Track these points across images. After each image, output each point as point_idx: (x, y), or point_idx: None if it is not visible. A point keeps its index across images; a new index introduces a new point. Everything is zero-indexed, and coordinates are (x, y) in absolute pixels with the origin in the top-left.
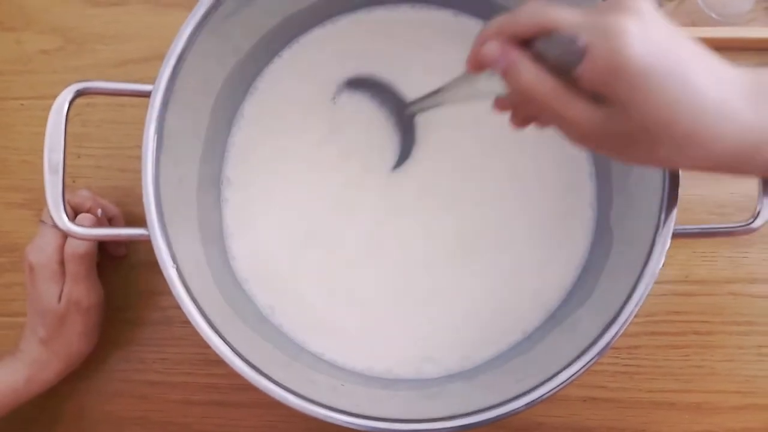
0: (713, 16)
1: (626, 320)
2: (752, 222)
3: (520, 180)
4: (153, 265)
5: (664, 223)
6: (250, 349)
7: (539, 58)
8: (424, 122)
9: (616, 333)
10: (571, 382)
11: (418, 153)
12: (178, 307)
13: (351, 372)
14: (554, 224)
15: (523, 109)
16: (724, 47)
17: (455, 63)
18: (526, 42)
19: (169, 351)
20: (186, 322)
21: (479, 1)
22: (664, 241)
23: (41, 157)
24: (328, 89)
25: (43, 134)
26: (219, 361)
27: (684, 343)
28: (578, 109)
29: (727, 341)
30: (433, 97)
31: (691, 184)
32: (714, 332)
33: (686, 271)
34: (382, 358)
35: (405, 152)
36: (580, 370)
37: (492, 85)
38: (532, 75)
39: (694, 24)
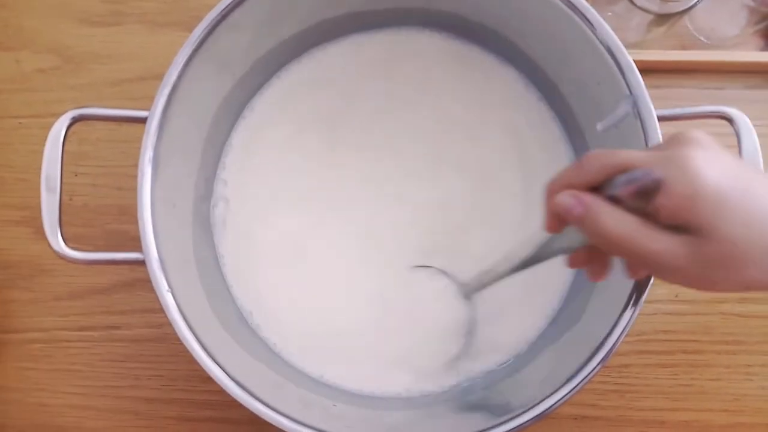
0: (702, 39)
1: (613, 345)
2: None
3: (505, 200)
4: (147, 282)
5: None
6: (243, 369)
7: (613, 201)
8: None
9: (604, 357)
10: (561, 404)
11: None
12: (171, 324)
13: (343, 391)
14: None
15: (598, 260)
16: (712, 70)
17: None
18: (595, 189)
19: (164, 368)
20: (180, 340)
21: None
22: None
23: (38, 175)
24: (312, 122)
25: (40, 152)
26: (213, 379)
27: (673, 362)
28: (663, 242)
29: (716, 360)
30: (491, 275)
31: None
32: (703, 351)
33: (676, 290)
34: (371, 377)
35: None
36: (569, 392)
37: (562, 241)
38: (611, 217)
39: (683, 47)
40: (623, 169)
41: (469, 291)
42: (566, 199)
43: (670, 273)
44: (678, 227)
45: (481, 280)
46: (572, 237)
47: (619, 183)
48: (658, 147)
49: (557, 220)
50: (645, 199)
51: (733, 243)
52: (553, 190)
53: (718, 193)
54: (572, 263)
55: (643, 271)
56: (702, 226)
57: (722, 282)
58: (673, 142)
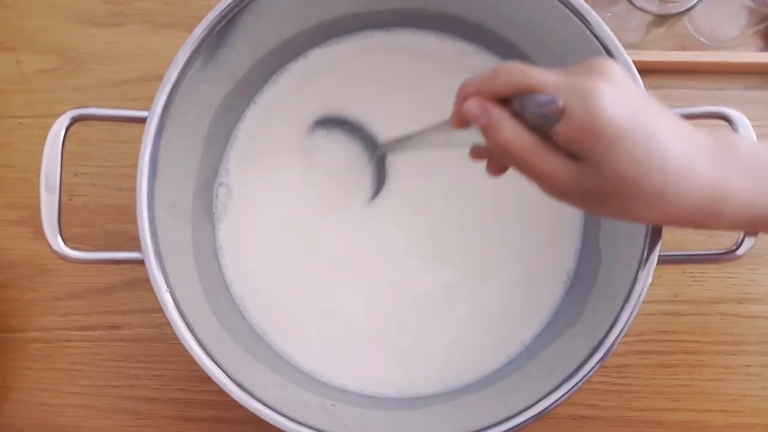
0: (702, 40)
1: (611, 345)
2: (736, 250)
3: (502, 204)
4: (147, 282)
5: (649, 251)
6: (242, 369)
7: (517, 116)
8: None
9: (602, 357)
10: (559, 404)
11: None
12: (170, 324)
13: (341, 391)
14: (542, 249)
15: (499, 159)
16: (712, 71)
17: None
18: (504, 100)
19: (164, 367)
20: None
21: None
22: (650, 267)
23: (38, 175)
24: (307, 121)
25: (41, 152)
26: (212, 379)
27: (672, 362)
28: (555, 165)
29: (715, 361)
30: (406, 141)
31: None
32: (702, 352)
33: (675, 290)
34: (370, 377)
35: (378, 187)
36: (567, 392)
37: (469, 136)
38: (511, 132)
39: (683, 48)
40: (532, 90)
41: (383, 151)
42: (474, 106)
43: (557, 193)
44: (573, 154)
45: (393, 145)
46: (474, 135)
47: (524, 104)
48: (572, 71)
49: (463, 121)
50: (546, 123)
51: (622, 178)
52: (464, 93)
53: (617, 130)
54: (474, 155)
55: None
56: (593, 158)
57: (605, 210)
58: (586, 68)
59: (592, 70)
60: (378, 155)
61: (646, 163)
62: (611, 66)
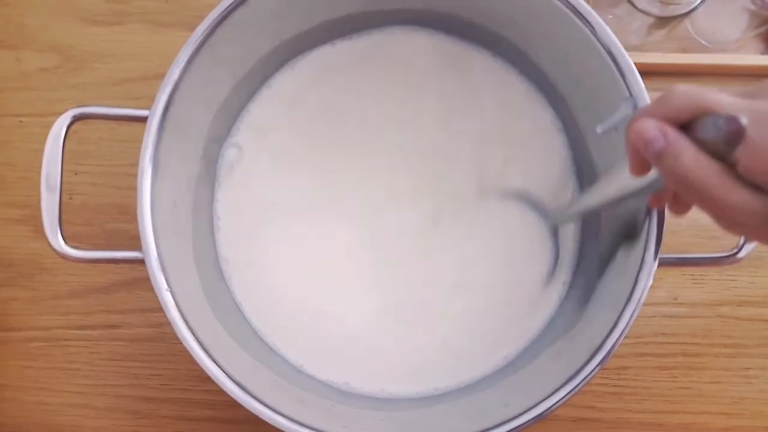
0: (703, 42)
1: (612, 347)
2: (737, 253)
3: (502, 207)
4: (147, 281)
5: (650, 254)
6: (242, 369)
7: (697, 142)
8: None
9: (603, 359)
10: (560, 406)
11: None
12: (170, 323)
13: (341, 392)
14: (542, 251)
15: (678, 191)
16: (713, 73)
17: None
18: (681, 127)
19: (163, 367)
20: (180, 339)
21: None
22: (650, 270)
23: (38, 174)
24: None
25: (41, 151)
26: (212, 378)
27: (672, 364)
28: (741, 197)
29: (714, 363)
30: (576, 208)
31: None
32: (702, 354)
33: (675, 293)
34: (369, 377)
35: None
36: (568, 394)
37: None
38: (693, 159)
39: (684, 50)
40: (710, 111)
41: (556, 221)
42: (649, 128)
43: (741, 229)
44: (758, 186)
45: (565, 212)
46: (653, 178)
47: (704, 127)
48: (752, 93)
49: (641, 160)
50: (729, 148)
51: None
52: (635, 122)
53: None
54: (653, 202)
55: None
56: None
57: None
58: (765, 91)
59: None
60: (550, 227)
61: None
62: None
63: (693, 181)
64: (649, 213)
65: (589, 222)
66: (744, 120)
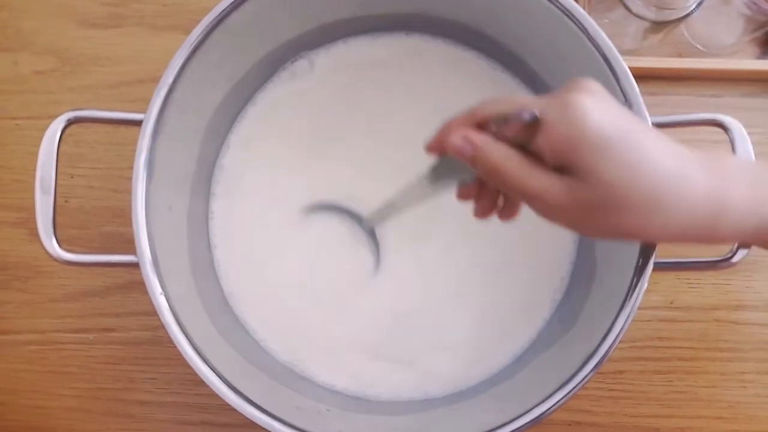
0: (699, 47)
1: (607, 352)
2: (731, 257)
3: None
4: (142, 285)
5: (645, 258)
6: (236, 373)
7: (501, 138)
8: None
9: (598, 364)
10: (555, 410)
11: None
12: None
13: (337, 394)
14: (537, 256)
15: (485, 197)
16: (708, 78)
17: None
18: (482, 126)
19: (159, 371)
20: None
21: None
22: (645, 274)
23: (34, 177)
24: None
25: (36, 154)
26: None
27: (668, 368)
28: (546, 181)
29: (710, 367)
30: (388, 208)
31: None
32: (697, 358)
33: (671, 297)
34: (366, 381)
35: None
36: (563, 398)
37: (448, 180)
38: (499, 153)
39: (680, 55)
40: (512, 110)
41: (373, 222)
42: (457, 141)
43: (550, 212)
44: (562, 168)
45: (383, 212)
46: (463, 171)
47: (500, 122)
48: (551, 94)
49: (437, 147)
50: (529, 138)
51: (612, 186)
52: (448, 127)
53: (601, 136)
54: (461, 195)
55: (518, 211)
56: (582, 168)
57: (601, 227)
58: (566, 88)
59: (572, 87)
60: (366, 228)
61: (635, 168)
62: (591, 83)
63: (503, 173)
64: None
65: None
66: (536, 111)
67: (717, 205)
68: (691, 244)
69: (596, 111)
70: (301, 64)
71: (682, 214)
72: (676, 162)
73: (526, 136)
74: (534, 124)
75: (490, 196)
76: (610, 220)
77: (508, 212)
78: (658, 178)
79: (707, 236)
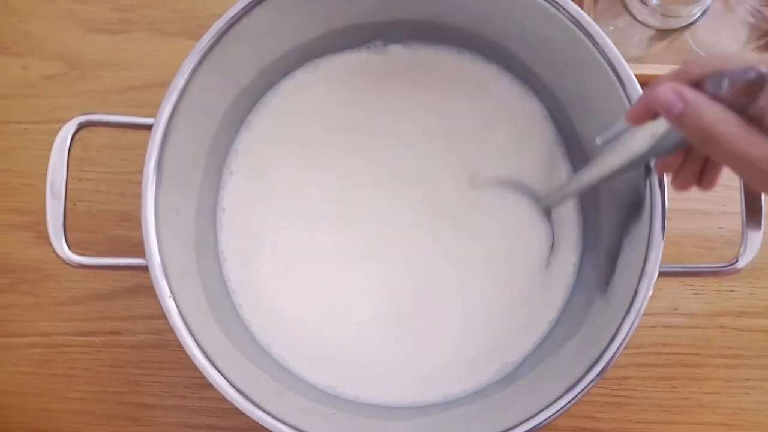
0: (703, 55)
1: (612, 358)
2: (736, 263)
3: (500, 218)
4: (149, 288)
5: (650, 264)
6: (243, 377)
7: (717, 99)
8: None
9: (602, 369)
10: (559, 416)
11: None
12: (173, 330)
13: (341, 400)
14: (541, 260)
15: (689, 167)
16: None
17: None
18: (696, 85)
19: (164, 374)
20: (181, 346)
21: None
22: (650, 280)
23: (42, 181)
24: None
25: (44, 158)
26: (213, 386)
27: (672, 375)
28: (764, 147)
29: (714, 374)
30: (569, 188)
31: (679, 219)
32: (701, 365)
33: (675, 303)
34: (369, 386)
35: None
36: (567, 404)
37: (657, 144)
38: (713, 113)
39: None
40: (728, 68)
41: (549, 204)
42: (667, 93)
43: (763, 180)
44: None
45: (561, 192)
46: (665, 139)
47: (721, 80)
48: None
49: (646, 113)
50: (750, 99)
51: None
52: (651, 89)
53: None
54: (663, 167)
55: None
56: None
57: None
58: None
59: None
60: (541, 208)
61: None
62: None
63: (717, 135)
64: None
65: (588, 200)
66: (763, 68)
67: None
68: None
69: None
70: (309, 70)
71: None
72: None
73: (746, 98)
74: (757, 84)
75: (694, 165)
76: None
77: (709, 180)
78: None
79: None
